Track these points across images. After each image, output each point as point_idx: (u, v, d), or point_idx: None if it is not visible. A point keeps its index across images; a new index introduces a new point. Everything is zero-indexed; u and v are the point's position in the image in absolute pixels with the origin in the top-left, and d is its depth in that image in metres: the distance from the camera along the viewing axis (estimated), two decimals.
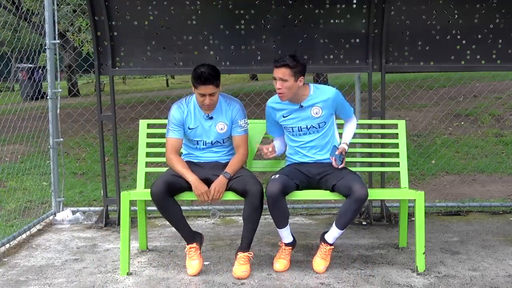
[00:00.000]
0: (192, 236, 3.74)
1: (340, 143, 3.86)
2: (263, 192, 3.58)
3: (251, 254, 3.65)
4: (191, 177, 3.62)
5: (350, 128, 3.93)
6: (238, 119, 3.76)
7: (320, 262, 3.65)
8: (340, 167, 3.71)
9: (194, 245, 3.71)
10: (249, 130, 3.86)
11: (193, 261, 3.67)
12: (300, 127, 3.74)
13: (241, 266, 3.57)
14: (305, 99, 3.70)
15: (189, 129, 3.75)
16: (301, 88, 3.67)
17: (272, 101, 3.81)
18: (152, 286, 3.47)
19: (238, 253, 3.63)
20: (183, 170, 3.66)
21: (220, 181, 3.63)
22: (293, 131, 3.78)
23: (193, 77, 3.58)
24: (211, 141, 3.78)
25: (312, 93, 3.72)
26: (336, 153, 3.75)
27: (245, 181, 3.60)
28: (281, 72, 3.58)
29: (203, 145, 3.79)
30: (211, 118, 3.73)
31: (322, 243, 3.67)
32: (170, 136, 3.76)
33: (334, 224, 3.61)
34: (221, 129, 3.75)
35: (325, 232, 3.72)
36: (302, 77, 3.62)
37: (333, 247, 3.67)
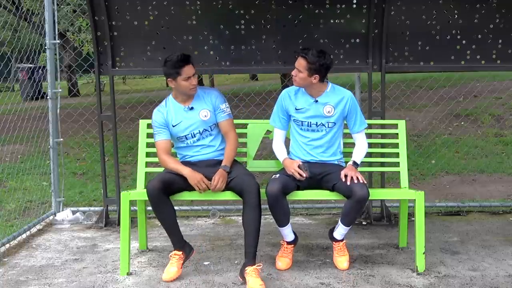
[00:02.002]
0: (181, 245, 3.65)
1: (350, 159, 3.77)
2: (260, 190, 3.54)
3: (260, 266, 3.45)
4: (185, 170, 3.58)
5: (362, 147, 3.82)
6: (220, 104, 3.75)
7: (340, 259, 3.72)
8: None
9: (180, 253, 3.61)
10: (249, 130, 3.85)
11: (172, 268, 3.57)
12: (310, 122, 3.74)
13: (256, 278, 3.34)
14: (321, 94, 3.72)
15: (173, 126, 3.71)
16: (318, 84, 3.68)
17: (291, 89, 3.82)
18: (152, 286, 3.47)
19: (247, 268, 3.41)
20: (176, 166, 3.64)
21: (220, 173, 3.59)
22: (302, 125, 3.77)
23: (172, 64, 3.56)
24: (199, 131, 3.72)
25: (328, 90, 3.74)
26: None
27: (241, 180, 3.56)
28: (298, 62, 3.63)
29: (192, 137, 3.73)
30: (192, 108, 3.71)
31: (334, 242, 3.76)
32: (157, 139, 3.73)
33: (340, 222, 3.68)
34: (205, 116, 3.71)
35: (332, 230, 3.78)
36: (317, 75, 3.61)
37: (345, 241, 3.75)
